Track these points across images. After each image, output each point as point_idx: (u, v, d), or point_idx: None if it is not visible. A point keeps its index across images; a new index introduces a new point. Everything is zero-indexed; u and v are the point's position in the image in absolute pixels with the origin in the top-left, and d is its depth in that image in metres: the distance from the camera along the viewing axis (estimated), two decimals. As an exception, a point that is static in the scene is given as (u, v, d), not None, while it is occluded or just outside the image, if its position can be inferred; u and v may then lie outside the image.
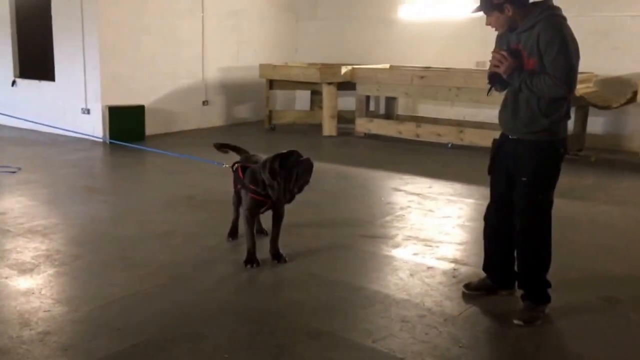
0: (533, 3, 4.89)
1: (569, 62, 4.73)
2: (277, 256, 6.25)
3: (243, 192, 6.17)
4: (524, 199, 5.01)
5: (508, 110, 5.04)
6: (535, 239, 5.08)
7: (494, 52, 4.98)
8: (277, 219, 6.25)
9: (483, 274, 5.60)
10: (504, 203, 5.22)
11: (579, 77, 10.80)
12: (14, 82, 14.50)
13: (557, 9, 4.89)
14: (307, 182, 5.92)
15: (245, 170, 6.19)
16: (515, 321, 5.01)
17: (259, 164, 6.03)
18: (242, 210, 6.23)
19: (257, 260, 6.10)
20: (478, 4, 4.97)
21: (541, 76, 4.74)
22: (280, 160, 5.83)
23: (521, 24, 4.85)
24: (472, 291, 5.53)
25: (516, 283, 5.38)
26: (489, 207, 5.43)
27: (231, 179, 6.57)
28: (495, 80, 5.05)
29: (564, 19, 4.85)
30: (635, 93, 10.62)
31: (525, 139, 4.95)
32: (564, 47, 4.70)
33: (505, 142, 5.12)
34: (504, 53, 4.87)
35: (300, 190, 5.94)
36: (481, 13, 5.02)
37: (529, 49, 4.83)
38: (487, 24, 5.01)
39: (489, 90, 5.26)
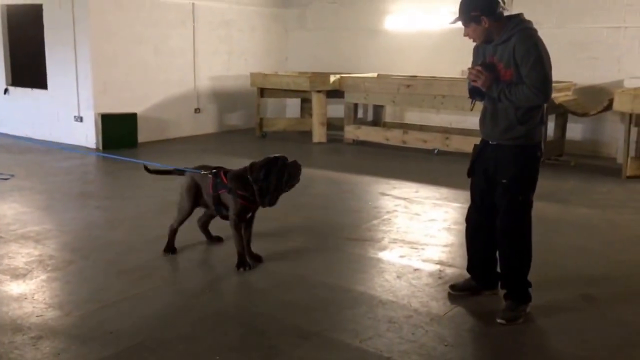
0: (507, 17, 5.11)
1: (544, 72, 4.95)
2: (257, 257, 6.44)
3: (229, 197, 6.19)
4: (505, 200, 5.19)
5: (487, 118, 5.26)
6: (517, 239, 5.25)
7: (470, 68, 5.20)
8: (250, 222, 6.40)
9: (468, 275, 5.77)
10: (483, 205, 5.42)
11: (559, 85, 11.08)
12: (6, 90, 14.57)
13: (529, 22, 5.12)
14: (297, 181, 6.14)
15: (225, 175, 6.28)
16: (498, 320, 5.16)
17: (246, 169, 6.12)
18: (230, 215, 6.26)
19: (248, 263, 6.21)
20: (456, 16, 5.19)
21: (519, 86, 4.97)
22: (268, 165, 5.98)
23: (497, 37, 5.07)
24: (458, 292, 5.69)
25: (499, 283, 5.53)
26: (469, 210, 5.62)
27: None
28: (475, 93, 5.25)
29: (536, 31, 5.08)
30: (611, 101, 10.80)
31: (504, 144, 5.16)
32: (539, 59, 4.92)
33: (486, 147, 5.33)
34: (479, 68, 5.09)
35: (289, 189, 6.14)
36: (459, 24, 5.23)
37: (505, 61, 5.04)
38: (465, 35, 5.22)
39: (472, 104, 5.48)
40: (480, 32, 5.10)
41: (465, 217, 5.70)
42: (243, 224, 6.31)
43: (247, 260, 6.23)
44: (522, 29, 5.01)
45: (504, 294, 5.38)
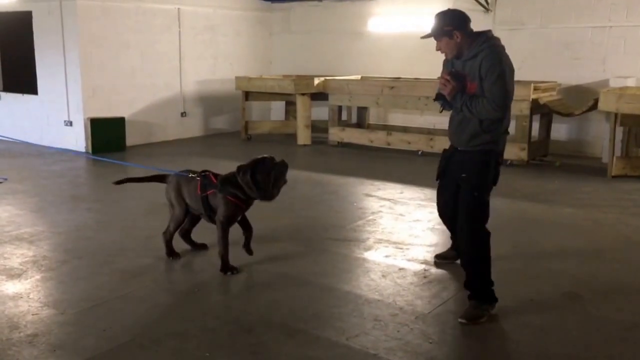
0: (476, 33, 5.38)
1: (505, 89, 5.18)
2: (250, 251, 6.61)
3: (219, 199, 6.22)
4: (464, 196, 5.47)
5: (454, 127, 5.60)
6: (473, 233, 5.42)
7: (440, 77, 5.48)
8: (247, 223, 6.54)
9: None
10: (451, 202, 5.87)
11: (543, 85, 11.08)
12: (-2, 96, 14.66)
13: (497, 39, 5.40)
14: (284, 182, 6.22)
15: (215, 177, 6.35)
16: (460, 319, 5.28)
17: (234, 173, 6.19)
18: (218, 218, 6.28)
19: (234, 267, 6.29)
20: (429, 31, 5.44)
21: (480, 99, 5.21)
22: (255, 165, 6.08)
23: (466, 52, 5.31)
24: (442, 260, 6.52)
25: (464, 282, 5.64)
26: (439, 207, 6.29)
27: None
28: (441, 99, 5.55)
29: (503, 48, 5.35)
30: (596, 101, 10.89)
31: (471, 150, 5.45)
32: (502, 76, 5.16)
33: (455, 153, 5.69)
34: (448, 77, 5.34)
35: (279, 190, 6.21)
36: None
37: (471, 75, 5.28)
38: (437, 49, 5.49)
39: (441, 108, 5.76)
40: (452, 46, 5.37)
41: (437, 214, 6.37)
42: (231, 226, 6.40)
43: (230, 264, 6.30)
44: (489, 45, 5.26)
45: (467, 295, 5.46)
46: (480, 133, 5.33)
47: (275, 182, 6.14)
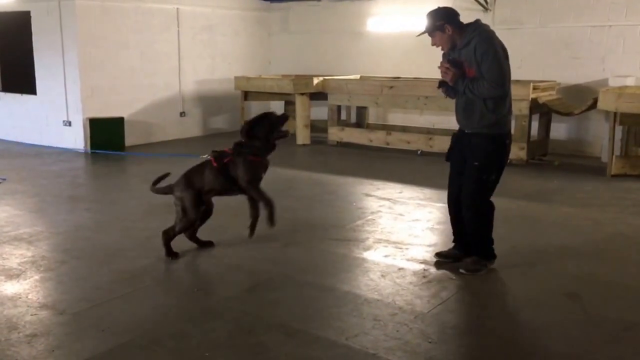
0: (466, 24, 5.88)
1: (501, 69, 5.74)
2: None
3: (238, 162, 6.45)
4: (471, 179, 5.99)
5: (460, 111, 6.07)
6: (479, 211, 6.07)
7: (440, 65, 5.91)
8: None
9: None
10: (459, 186, 6.14)
11: (543, 85, 11.17)
12: (-5, 97, 14.65)
13: (486, 25, 5.97)
14: (284, 133, 6.74)
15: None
16: (460, 270, 6.15)
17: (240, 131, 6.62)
18: (243, 182, 6.49)
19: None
20: (423, 29, 6.00)
21: (480, 81, 5.75)
22: (256, 119, 6.55)
23: (459, 42, 5.77)
24: (442, 258, 6.53)
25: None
26: (449, 190, 6.39)
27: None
28: (443, 86, 6.08)
29: (493, 32, 5.92)
30: (595, 100, 10.87)
31: (479, 132, 5.95)
32: (496, 57, 5.73)
33: (463, 136, 6.13)
34: (448, 65, 5.82)
35: (275, 137, 6.61)
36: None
37: (468, 61, 5.84)
38: (433, 44, 6.03)
39: (445, 95, 6.20)
40: (445, 40, 5.93)
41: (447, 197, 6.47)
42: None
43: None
44: (480, 32, 5.81)
45: (470, 251, 6.21)
46: (486, 113, 5.83)
47: (271, 130, 6.55)
